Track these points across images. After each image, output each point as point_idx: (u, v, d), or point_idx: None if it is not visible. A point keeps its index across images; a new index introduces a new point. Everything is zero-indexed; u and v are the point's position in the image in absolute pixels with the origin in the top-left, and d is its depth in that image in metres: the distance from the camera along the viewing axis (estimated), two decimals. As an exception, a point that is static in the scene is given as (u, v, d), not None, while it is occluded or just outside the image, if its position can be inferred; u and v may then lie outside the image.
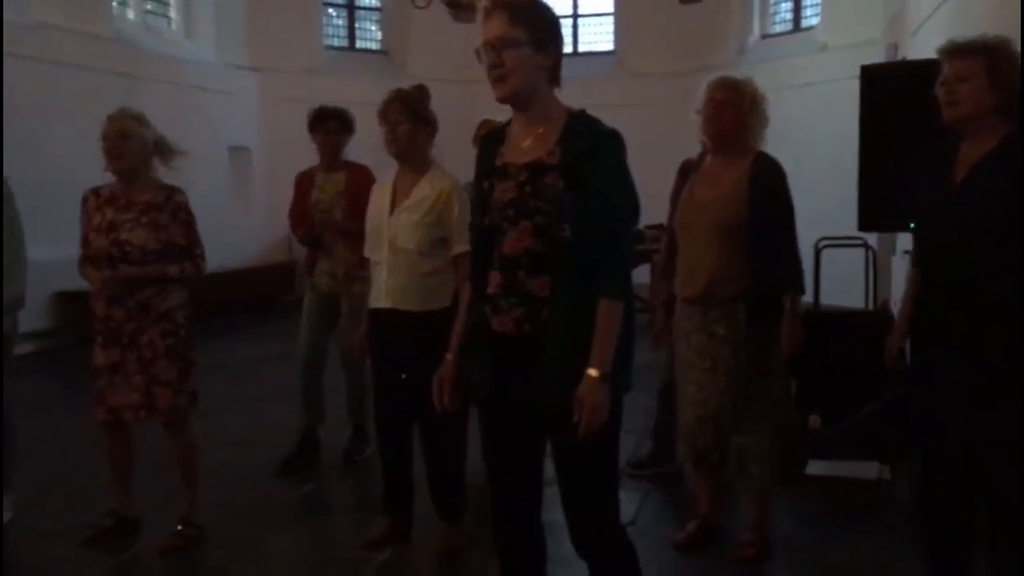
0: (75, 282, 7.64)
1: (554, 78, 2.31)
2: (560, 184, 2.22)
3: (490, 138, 2.43)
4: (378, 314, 3.51)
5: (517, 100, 2.29)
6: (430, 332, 3.36)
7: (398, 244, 3.42)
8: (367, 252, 3.63)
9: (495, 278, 2.30)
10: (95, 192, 3.67)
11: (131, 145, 3.57)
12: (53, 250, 7.50)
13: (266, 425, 5.52)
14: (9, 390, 3.94)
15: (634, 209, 2.30)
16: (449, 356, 2.46)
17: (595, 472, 2.30)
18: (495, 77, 2.25)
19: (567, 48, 14.97)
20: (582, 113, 2.33)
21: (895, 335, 3.01)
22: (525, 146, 2.31)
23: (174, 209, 3.61)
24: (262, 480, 4.51)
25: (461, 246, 3.37)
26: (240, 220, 10.82)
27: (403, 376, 3.46)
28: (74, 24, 8.54)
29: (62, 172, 7.77)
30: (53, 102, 8.18)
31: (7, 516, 3.89)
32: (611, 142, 2.26)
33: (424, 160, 3.52)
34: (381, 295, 3.47)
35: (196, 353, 3.74)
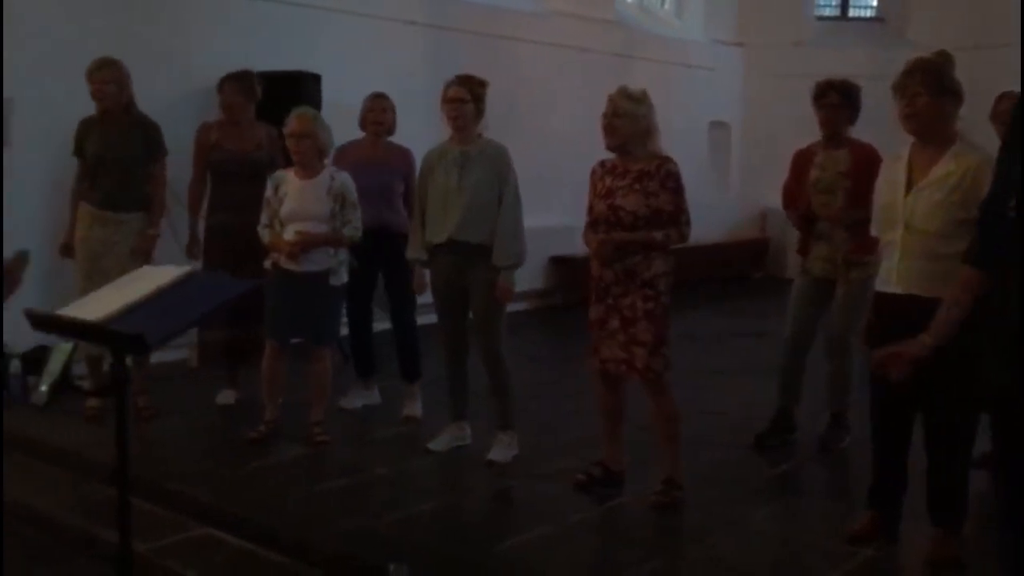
0: (567, 248, 8.48)
1: None
2: None
3: None
4: (885, 299, 3.31)
5: None
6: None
7: (916, 225, 3.19)
8: (875, 230, 3.45)
9: None
10: (602, 163, 3.95)
11: (619, 123, 3.77)
12: (551, 219, 8.29)
13: (736, 398, 5.56)
14: (511, 341, 4.45)
15: None
16: (927, 339, 2.19)
17: None
18: None
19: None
20: None
21: None
22: None
23: (664, 177, 3.76)
24: (735, 453, 4.55)
25: None
26: (716, 195, 10.93)
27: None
28: (582, 10, 9.24)
29: (562, 148, 8.50)
30: (558, 82, 8.94)
31: (511, 453, 4.38)
32: None
33: (947, 134, 3.23)
34: (892, 279, 3.26)
35: (672, 321, 3.86)
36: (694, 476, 4.01)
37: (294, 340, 4.69)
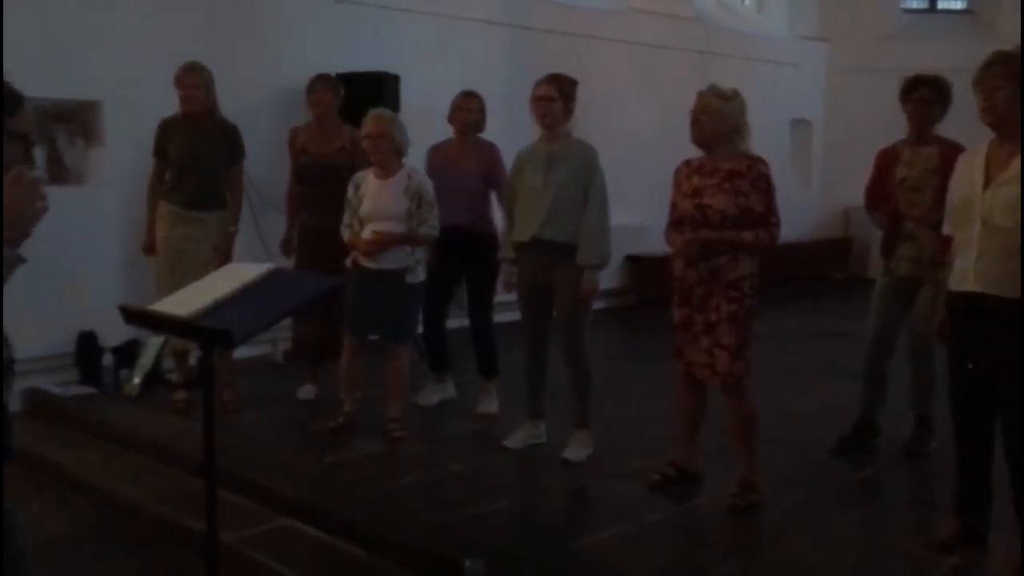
0: (642, 246, 8.43)
1: None
2: None
3: None
4: (960, 298, 3.22)
5: None
6: (1021, 321, 3.02)
7: (994, 222, 3.09)
8: (948, 229, 3.36)
9: None
10: (686, 162, 3.90)
11: (706, 119, 3.72)
12: (626, 217, 8.24)
13: (816, 400, 5.45)
14: (593, 340, 4.45)
15: None
16: None
17: None
18: None
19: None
20: None
21: None
22: None
23: (755, 178, 3.69)
24: (815, 455, 4.46)
25: None
26: (797, 194, 10.72)
27: (969, 366, 3.20)
28: (661, 7, 9.17)
29: (639, 146, 8.45)
30: (636, 81, 8.88)
31: (586, 452, 4.38)
32: None
33: None
34: (968, 277, 3.17)
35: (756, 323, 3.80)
36: (772, 478, 3.95)
37: (372, 337, 4.77)
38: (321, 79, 5.34)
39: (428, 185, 4.60)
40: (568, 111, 4.31)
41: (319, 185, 5.17)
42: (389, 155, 4.53)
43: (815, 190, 11.33)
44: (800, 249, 10.33)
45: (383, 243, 4.51)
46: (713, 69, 8.93)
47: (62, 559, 3.77)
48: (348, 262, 4.67)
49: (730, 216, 3.67)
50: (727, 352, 3.72)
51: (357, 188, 4.61)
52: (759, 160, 3.74)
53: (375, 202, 4.53)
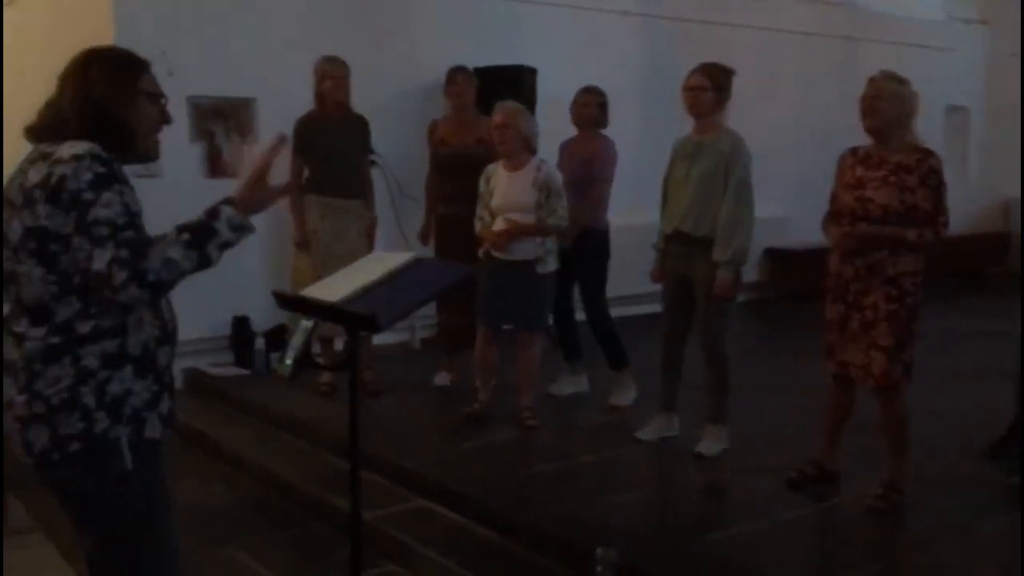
0: (782, 240, 8.20)
1: None
2: None
3: None
4: None
5: None
6: None
7: None
8: None
9: None
10: (853, 151, 3.73)
11: (882, 104, 3.56)
12: (766, 210, 8.02)
13: (969, 401, 5.18)
14: (735, 333, 4.37)
15: None
16: None
17: None
18: None
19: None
20: None
21: None
22: None
23: (925, 173, 3.51)
24: (966, 459, 4.26)
25: None
26: (953, 185, 10.15)
27: None
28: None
29: (780, 137, 8.20)
30: (778, 69, 8.63)
31: (720, 447, 4.32)
32: None
33: None
34: None
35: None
36: (920, 480, 3.79)
37: (506, 327, 4.85)
38: (459, 71, 5.46)
39: (556, 176, 4.64)
40: (720, 102, 4.22)
41: (457, 176, 5.29)
42: (517, 145, 4.59)
43: (972, 181, 10.73)
44: (955, 243, 9.79)
45: (512, 234, 4.57)
46: (861, 55, 8.61)
47: (217, 531, 4.01)
48: (480, 254, 4.75)
49: (892, 212, 3.50)
50: (884, 354, 3.56)
51: (488, 181, 4.69)
52: (930, 154, 3.55)
53: (505, 194, 4.60)
